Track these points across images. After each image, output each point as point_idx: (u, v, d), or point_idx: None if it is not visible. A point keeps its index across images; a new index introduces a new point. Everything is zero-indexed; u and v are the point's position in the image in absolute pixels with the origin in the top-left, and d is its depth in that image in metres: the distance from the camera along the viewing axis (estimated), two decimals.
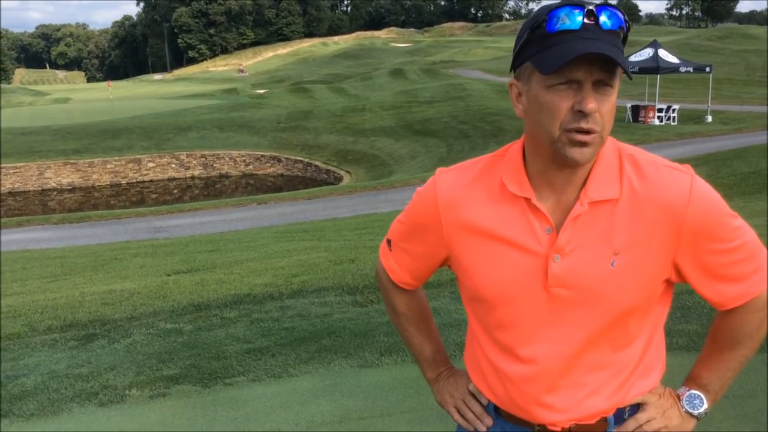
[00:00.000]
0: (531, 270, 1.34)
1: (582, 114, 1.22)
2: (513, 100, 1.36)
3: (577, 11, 1.22)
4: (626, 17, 1.26)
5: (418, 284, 1.62)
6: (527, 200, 1.34)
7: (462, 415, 1.57)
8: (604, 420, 1.41)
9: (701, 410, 1.46)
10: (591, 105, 1.22)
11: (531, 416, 1.42)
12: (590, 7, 1.22)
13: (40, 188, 29.26)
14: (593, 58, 1.21)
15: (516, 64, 1.33)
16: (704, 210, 1.30)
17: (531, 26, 1.26)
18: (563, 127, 1.24)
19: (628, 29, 1.28)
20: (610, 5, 1.25)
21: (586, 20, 1.22)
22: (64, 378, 4.43)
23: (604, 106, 1.24)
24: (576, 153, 1.25)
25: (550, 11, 1.23)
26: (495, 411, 1.51)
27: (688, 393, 1.47)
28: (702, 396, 1.46)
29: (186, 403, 3.92)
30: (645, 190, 1.30)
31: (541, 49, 1.25)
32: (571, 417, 1.40)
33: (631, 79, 1.27)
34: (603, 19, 1.23)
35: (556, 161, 1.30)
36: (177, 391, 4.06)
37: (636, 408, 1.43)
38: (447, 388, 1.62)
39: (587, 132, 1.24)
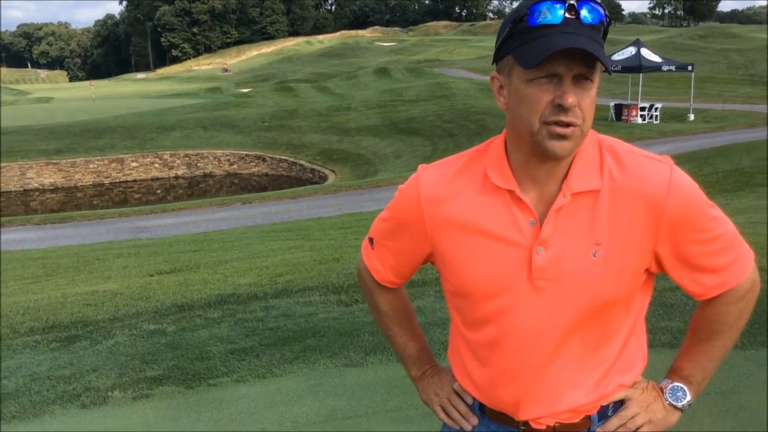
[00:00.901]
0: (515, 262, 1.34)
1: (562, 108, 1.23)
2: (495, 93, 1.37)
3: (558, 6, 1.23)
4: (607, 12, 1.27)
5: (402, 282, 1.61)
6: (511, 193, 1.34)
7: (447, 414, 1.57)
8: (588, 418, 1.42)
9: (684, 402, 1.47)
10: (571, 99, 1.23)
11: (514, 412, 1.42)
12: (571, 2, 1.23)
13: (21, 188, 28.96)
14: (573, 53, 1.21)
15: (498, 57, 1.34)
16: (683, 200, 1.31)
17: (513, 20, 1.27)
18: (543, 120, 1.25)
19: (609, 24, 1.29)
20: (592, 0, 1.25)
21: (567, 15, 1.23)
22: (45, 380, 4.39)
23: (584, 100, 1.25)
24: (556, 146, 1.26)
25: (531, 5, 1.24)
26: (480, 410, 1.51)
27: (671, 386, 1.48)
28: (685, 388, 1.47)
29: (169, 404, 3.89)
30: (625, 180, 1.32)
31: (522, 42, 1.25)
32: (552, 411, 1.40)
33: (610, 74, 1.28)
34: (584, 13, 1.24)
35: (536, 154, 1.30)
36: (160, 393, 4.04)
37: (619, 405, 1.44)
38: (432, 386, 1.62)
39: (567, 125, 1.24)
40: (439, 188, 1.41)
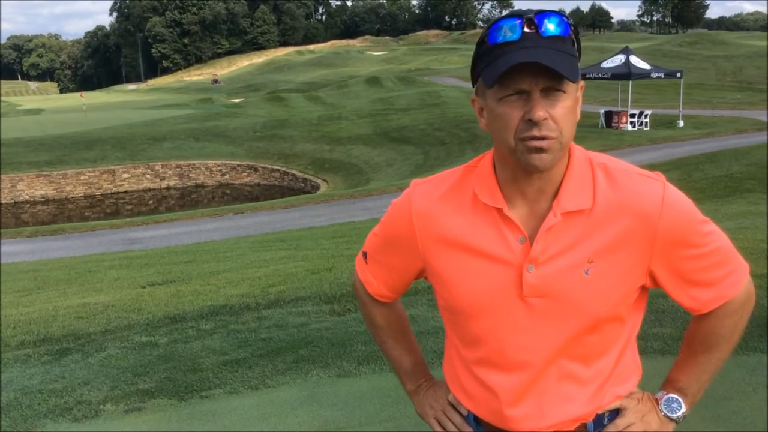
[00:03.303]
0: (506, 280, 1.34)
1: (532, 122, 1.23)
2: (477, 115, 1.38)
3: (517, 22, 1.23)
4: (570, 20, 1.26)
5: (395, 296, 1.61)
6: (499, 210, 1.34)
7: (442, 426, 1.56)
8: (584, 426, 1.42)
9: (679, 414, 1.47)
10: (539, 113, 1.22)
11: (508, 425, 1.42)
12: (529, 16, 1.23)
13: (12, 201, 28.83)
14: (537, 67, 1.20)
15: (473, 80, 1.35)
16: (677, 217, 1.31)
17: (478, 41, 1.29)
18: (517, 137, 1.25)
19: (576, 33, 1.28)
20: (553, 11, 1.24)
21: (526, 29, 1.23)
22: (37, 394, 4.36)
23: (556, 112, 1.24)
24: (535, 159, 1.25)
25: (492, 25, 1.25)
26: (475, 421, 1.50)
27: (666, 397, 1.48)
28: (680, 399, 1.48)
29: (162, 416, 3.87)
30: (618, 198, 1.31)
31: (487, 63, 1.26)
32: (547, 425, 1.40)
33: (574, 82, 1.25)
34: (545, 26, 1.23)
35: (522, 170, 1.30)
36: (152, 405, 4.02)
37: (615, 413, 1.44)
38: (427, 399, 1.62)
39: (542, 138, 1.24)
40: (431, 204, 1.41)
